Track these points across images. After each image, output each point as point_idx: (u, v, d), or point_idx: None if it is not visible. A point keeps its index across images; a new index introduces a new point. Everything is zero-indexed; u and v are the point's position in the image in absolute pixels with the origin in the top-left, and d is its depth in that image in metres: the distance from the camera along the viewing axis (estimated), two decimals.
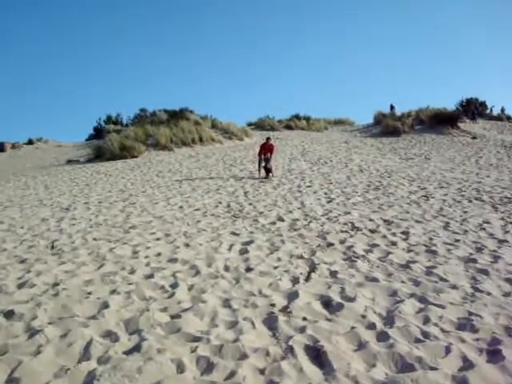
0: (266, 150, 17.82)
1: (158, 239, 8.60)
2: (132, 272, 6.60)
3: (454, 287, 5.72)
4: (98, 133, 43.20)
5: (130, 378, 3.64)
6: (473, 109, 46.30)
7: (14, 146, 43.01)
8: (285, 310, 5.09)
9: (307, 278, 6.16)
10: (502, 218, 9.83)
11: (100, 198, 14.08)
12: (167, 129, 30.85)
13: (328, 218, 10.02)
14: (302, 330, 4.50)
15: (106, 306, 5.24)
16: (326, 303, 5.28)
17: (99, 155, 27.50)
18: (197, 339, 4.38)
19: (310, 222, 9.72)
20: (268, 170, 17.45)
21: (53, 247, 8.17)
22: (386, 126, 37.79)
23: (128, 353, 4.12)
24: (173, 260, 7.19)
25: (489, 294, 5.50)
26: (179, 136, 30.36)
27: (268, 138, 18.53)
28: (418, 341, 4.28)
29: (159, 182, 17.21)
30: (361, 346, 4.19)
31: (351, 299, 5.33)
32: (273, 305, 5.22)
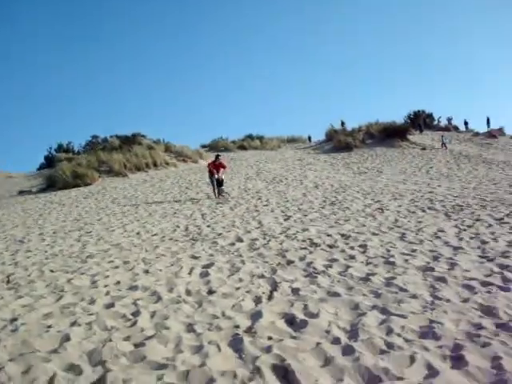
0: (217, 167, 17.97)
1: (116, 267, 8.47)
2: (92, 302, 6.47)
3: (414, 296, 5.80)
4: (50, 162, 42.46)
5: None
6: (420, 121, 47.63)
7: None
8: (249, 330, 5.07)
9: (270, 297, 6.16)
10: (456, 226, 10.06)
11: (55, 228, 13.81)
12: (120, 154, 30.68)
13: (286, 236, 10.07)
14: (268, 349, 4.49)
15: (67, 338, 5.11)
16: (290, 321, 5.28)
17: (52, 184, 27.07)
18: (162, 366, 4.31)
19: (269, 240, 9.75)
20: (221, 185, 17.59)
21: (8, 281, 7.96)
22: (338, 142, 38.54)
23: None
24: (133, 287, 7.08)
25: (448, 300, 5.60)
26: (133, 161, 30.19)
27: (218, 156, 18.88)
28: (382, 352, 4.31)
29: (115, 209, 17.02)
30: (327, 361, 4.20)
31: (314, 315, 5.35)
32: (237, 326, 5.20)
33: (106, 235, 12.03)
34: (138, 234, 11.90)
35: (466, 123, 53.22)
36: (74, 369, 4.39)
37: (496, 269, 6.80)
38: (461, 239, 8.83)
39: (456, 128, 53.15)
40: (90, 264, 8.84)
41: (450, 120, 55.02)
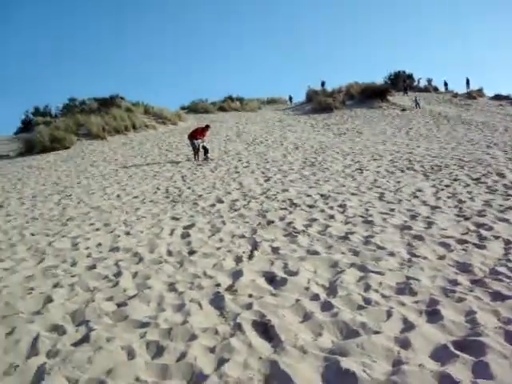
0: (200, 134, 17.88)
1: (97, 230, 8.49)
2: (73, 264, 6.50)
3: (392, 254, 5.91)
4: (27, 125, 41.63)
5: (81, 368, 3.63)
6: (403, 82, 47.64)
7: None
8: (230, 288, 5.15)
9: (250, 257, 6.24)
10: (434, 186, 10.19)
11: (34, 193, 13.72)
12: (98, 117, 30.19)
13: (267, 197, 10.14)
14: (249, 306, 4.57)
15: (49, 300, 5.16)
16: (270, 279, 5.37)
17: (30, 149, 26.60)
18: (145, 325, 4.38)
19: (250, 201, 9.80)
20: (207, 151, 17.59)
21: None
22: (319, 103, 38.40)
23: (77, 344, 4.09)
24: (114, 249, 7.12)
25: (425, 258, 5.71)
26: (111, 124, 29.80)
27: (208, 126, 18.84)
28: (360, 308, 4.42)
29: (94, 172, 16.91)
30: (306, 317, 4.30)
31: (294, 273, 5.44)
32: (218, 285, 5.28)
33: (85, 198, 11.99)
34: (118, 196, 11.88)
35: (445, 84, 53.25)
36: (57, 329, 4.45)
37: (472, 227, 6.93)
38: (438, 198, 8.96)
39: (436, 89, 53.15)
40: (71, 227, 8.85)
41: (429, 81, 55.05)
